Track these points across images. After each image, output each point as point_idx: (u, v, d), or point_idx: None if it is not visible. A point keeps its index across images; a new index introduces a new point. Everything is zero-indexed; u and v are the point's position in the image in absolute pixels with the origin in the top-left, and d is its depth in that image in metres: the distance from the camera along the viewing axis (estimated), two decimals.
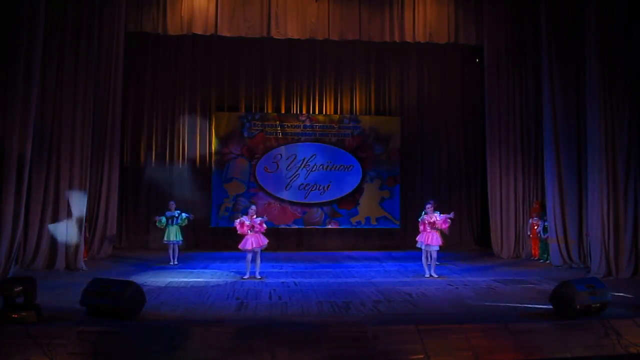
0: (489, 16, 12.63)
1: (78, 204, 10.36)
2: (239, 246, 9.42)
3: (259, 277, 9.44)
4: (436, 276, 9.65)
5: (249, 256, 9.41)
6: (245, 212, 10.24)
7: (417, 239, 9.88)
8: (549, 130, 11.44)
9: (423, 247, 9.74)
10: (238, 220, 9.44)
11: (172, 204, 11.23)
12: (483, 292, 8.37)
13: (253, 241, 9.28)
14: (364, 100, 14.99)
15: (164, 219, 10.93)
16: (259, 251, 9.46)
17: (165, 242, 11.06)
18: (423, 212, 9.84)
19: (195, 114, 14.44)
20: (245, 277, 9.42)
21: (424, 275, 9.75)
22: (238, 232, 9.40)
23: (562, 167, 11.20)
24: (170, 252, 11.06)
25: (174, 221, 10.95)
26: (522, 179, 12.65)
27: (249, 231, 9.28)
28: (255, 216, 9.50)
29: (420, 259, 10.04)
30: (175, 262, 11.05)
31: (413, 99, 15.06)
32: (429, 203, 9.88)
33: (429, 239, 9.62)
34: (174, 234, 10.96)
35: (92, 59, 10.67)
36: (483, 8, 12.64)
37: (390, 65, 14.98)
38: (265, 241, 9.46)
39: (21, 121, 9.19)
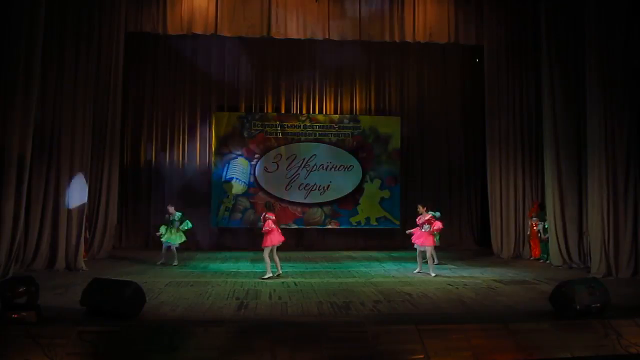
0: (489, 16, 12.65)
1: (78, 203, 10.37)
2: (268, 245, 9.34)
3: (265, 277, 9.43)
4: (432, 275, 9.74)
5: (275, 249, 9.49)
6: (270, 209, 9.76)
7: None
8: (549, 130, 11.44)
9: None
10: (266, 219, 9.35)
11: (171, 208, 11.06)
12: (483, 292, 8.36)
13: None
14: (364, 100, 14.99)
15: (164, 229, 10.87)
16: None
17: (167, 244, 11.03)
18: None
19: (195, 114, 14.44)
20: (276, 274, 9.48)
21: (430, 274, 9.80)
22: (265, 230, 9.34)
23: (562, 167, 11.20)
24: (172, 252, 11.05)
25: (176, 225, 10.87)
26: (522, 179, 12.66)
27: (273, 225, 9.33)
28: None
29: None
30: (175, 262, 11.04)
31: (413, 99, 15.06)
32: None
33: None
34: (175, 236, 10.92)
35: (92, 58, 10.68)
36: (483, 8, 12.66)
37: (390, 65, 14.98)
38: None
39: (21, 121, 9.17)
